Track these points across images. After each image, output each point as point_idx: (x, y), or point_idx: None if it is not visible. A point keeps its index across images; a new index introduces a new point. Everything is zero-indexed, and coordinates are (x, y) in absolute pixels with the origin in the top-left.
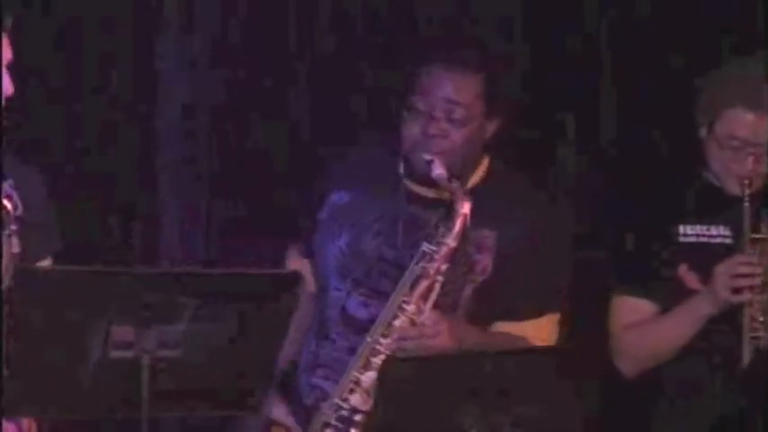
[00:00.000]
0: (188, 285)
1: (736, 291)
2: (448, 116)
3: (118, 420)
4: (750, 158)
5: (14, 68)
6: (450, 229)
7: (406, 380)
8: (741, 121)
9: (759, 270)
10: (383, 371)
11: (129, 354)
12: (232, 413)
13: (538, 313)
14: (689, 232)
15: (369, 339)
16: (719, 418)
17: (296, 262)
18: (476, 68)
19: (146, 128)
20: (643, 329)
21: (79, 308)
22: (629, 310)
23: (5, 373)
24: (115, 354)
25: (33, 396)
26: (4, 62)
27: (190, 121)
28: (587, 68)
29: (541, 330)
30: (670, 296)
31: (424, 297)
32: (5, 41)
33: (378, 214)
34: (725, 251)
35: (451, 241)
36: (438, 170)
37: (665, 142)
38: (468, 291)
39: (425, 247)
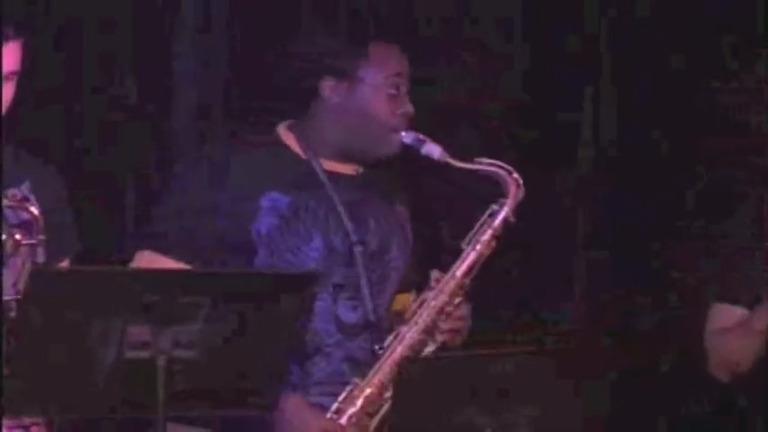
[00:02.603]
0: (189, 285)
1: None
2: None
3: (118, 420)
4: None
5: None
6: (504, 205)
7: (420, 380)
8: None
9: None
10: (399, 372)
11: (143, 354)
12: (242, 413)
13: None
14: None
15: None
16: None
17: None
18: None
19: (156, 128)
20: (729, 331)
21: (79, 308)
22: (724, 316)
23: (6, 373)
24: (129, 354)
25: (34, 396)
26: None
27: (203, 122)
28: (587, 68)
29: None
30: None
31: (467, 274)
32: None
33: (327, 208)
34: None
35: (509, 214)
36: (438, 149)
37: (665, 142)
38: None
39: (482, 221)
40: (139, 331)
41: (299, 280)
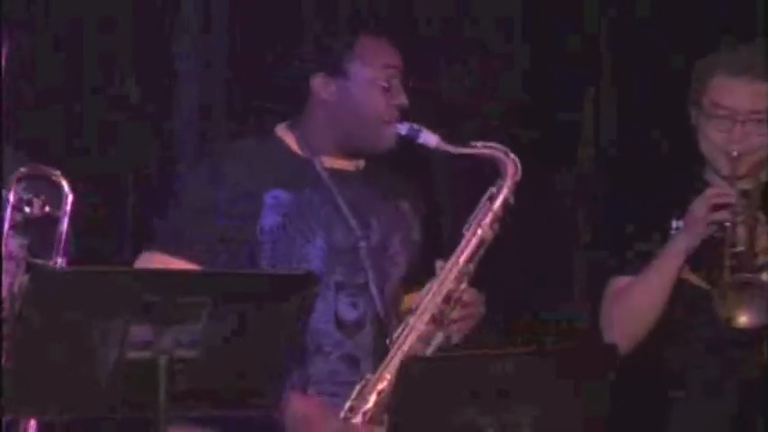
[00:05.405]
0: (190, 285)
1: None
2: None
3: (118, 420)
4: (737, 128)
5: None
6: (502, 186)
7: (422, 379)
8: (725, 89)
9: (733, 193)
10: (400, 370)
11: (145, 354)
12: (243, 412)
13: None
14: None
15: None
16: (732, 418)
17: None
18: None
19: (157, 128)
20: (626, 290)
21: (79, 308)
22: (621, 286)
23: (5, 372)
24: (131, 354)
25: (33, 396)
26: None
27: (204, 122)
28: (587, 68)
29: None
30: None
31: (470, 259)
32: None
33: (328, 205)
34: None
35: (508, 195)
36: (434, 138)
37: (665, 142)
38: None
39: (481, 204)
40: (141, 331)
41: (299, 280)
